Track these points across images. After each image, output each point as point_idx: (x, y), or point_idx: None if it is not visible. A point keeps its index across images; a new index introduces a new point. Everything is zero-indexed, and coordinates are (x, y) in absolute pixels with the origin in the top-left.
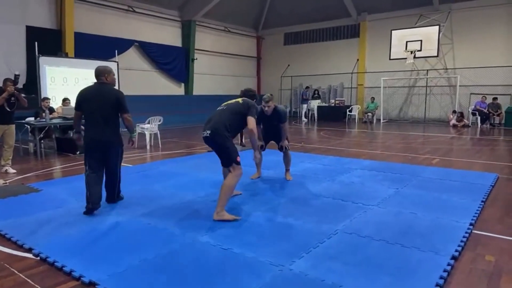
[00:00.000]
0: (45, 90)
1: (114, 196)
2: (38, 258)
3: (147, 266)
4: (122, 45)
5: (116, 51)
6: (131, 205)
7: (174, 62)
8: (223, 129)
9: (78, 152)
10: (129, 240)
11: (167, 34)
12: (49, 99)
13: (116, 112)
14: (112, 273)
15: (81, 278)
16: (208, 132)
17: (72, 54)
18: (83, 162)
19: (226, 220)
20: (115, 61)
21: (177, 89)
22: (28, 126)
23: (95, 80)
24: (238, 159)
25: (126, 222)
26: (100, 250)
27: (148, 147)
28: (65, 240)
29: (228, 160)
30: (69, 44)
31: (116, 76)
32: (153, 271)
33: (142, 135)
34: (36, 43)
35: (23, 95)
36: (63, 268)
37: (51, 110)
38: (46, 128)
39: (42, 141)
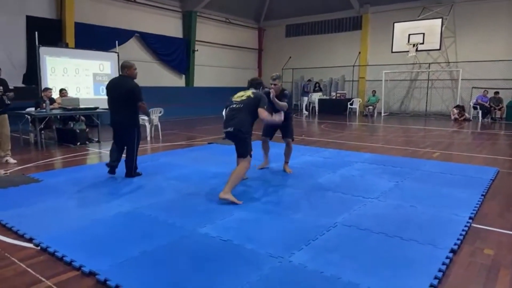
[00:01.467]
0: (45, 81)
1: (131, 171)
2: (39, 248)
3: (147, 257)
4: (122, 36)
5: (117, 41)
6: (132, 197)
7: (174, 53)
8: (247, 126)
9: (78, 143)
10: (129, 231)
11: (168, 25)
12: (51, 89)
13: (129, 100)
14: (112, 264)
15: (81, 268)
16: (231, 128)
17: (72, 45)
18: (82, 153)
19: (229, 201)
20: (115, 52)
21: (178, 81)
22: (29, 117)
23: (95, 71)
24: (251, 153)
25: (127, 214)
26: (100, 241)
27: (148, 138)
28: (65, 230)
29: (245, 152)
30: (70, 35)
31: (135, 69)
32: (153, 262)
33: (143, 126)
34: (36, 33)
35: (12, 87)
36: (64, 258)
37: (52, 100)
38: (46, 119)
39: (43, 131)
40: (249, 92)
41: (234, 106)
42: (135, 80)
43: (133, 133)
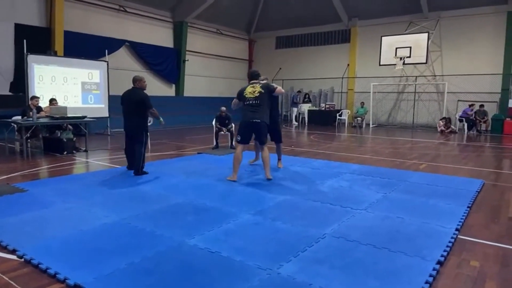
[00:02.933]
0: (32, 89)
1: (138, 170)
2: (22, 260)
3: (134, 269)
4: (112, 44)
5: (107, 50)
6: (119, 207)
7: (165, 63)
8: (268, 118)
9: (65, 152)
10: (115, 242)
11: (159, 35)
12: (38, 97)
13: (140, 109)
14: (97, 276)
15: (66, 281)
16: (258, 120)
17: (61, 53)
18: (69, 162)
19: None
20: (105, 61)
21: (168, 90)
22: (15, 125)
23: (83, 80)
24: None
25: (113, 224)
26: (86, 252)
27: None
28: (50, 242)
29: (266, 139)
30: (59, 43)
31: (145, 82)
32: (139, 274)
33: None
34: (24, 41)
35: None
36: (48, 270)
37: (39, 109)
38: (33, 127)
39: (29, 140)
40: (258, 88)
41: (251, 102)
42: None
43: (142, 137)
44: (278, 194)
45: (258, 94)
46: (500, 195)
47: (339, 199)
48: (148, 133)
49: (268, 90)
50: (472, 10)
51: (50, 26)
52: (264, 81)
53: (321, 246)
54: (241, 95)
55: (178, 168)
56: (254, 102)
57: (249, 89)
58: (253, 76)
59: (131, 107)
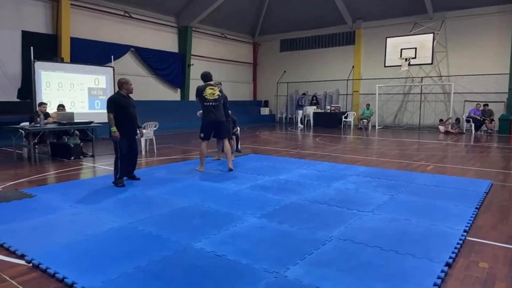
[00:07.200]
0: (40, 95)
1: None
2: (31, 264)
3: (141, 273)
4: (118, 50)
5: (112, 56)
6: (125, 212)
7: (170, 67)
8: (224, 117)
9: (72, 158)
10: (122, 247)
11: (164, 40)
12: (46, 104)
13: None
14: (105, 280)
15: (74, 285)
16: (219, 119)
17: (67, 59)
18: (76, 167)
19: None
20: (111, 67)
21: (173, 95)
22: (23, 131)
23: (90, 86)
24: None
25: (120, 229)
26: (93, 257)
27: (143, 152)
28: (57, 246)
29: (229, 133)
30: (65, 49)
31: (131, 85)
32: (146, 278)
33: (137, 140)
34: (31, 48)
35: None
36: (56, 275)
37: (47, 115)
38: (40, 133)
39: (36, 146)
40: (217, 91)
41: (212, 103)
42: (132, 95)
43: (114, 143)
44: (284, 196)
45: (217, 96)
46: (508, 196)
47: (345, 202)
48: (121, 141)
49: (225, 96)
50: (477, 10)
51: (57, 33)
52: (219, 85)
53: (328, 249)
54: (200, 94)
55: (183, 172)
56: (213, 103)
57: (208, 91)
58: (208, 77)
59: None
